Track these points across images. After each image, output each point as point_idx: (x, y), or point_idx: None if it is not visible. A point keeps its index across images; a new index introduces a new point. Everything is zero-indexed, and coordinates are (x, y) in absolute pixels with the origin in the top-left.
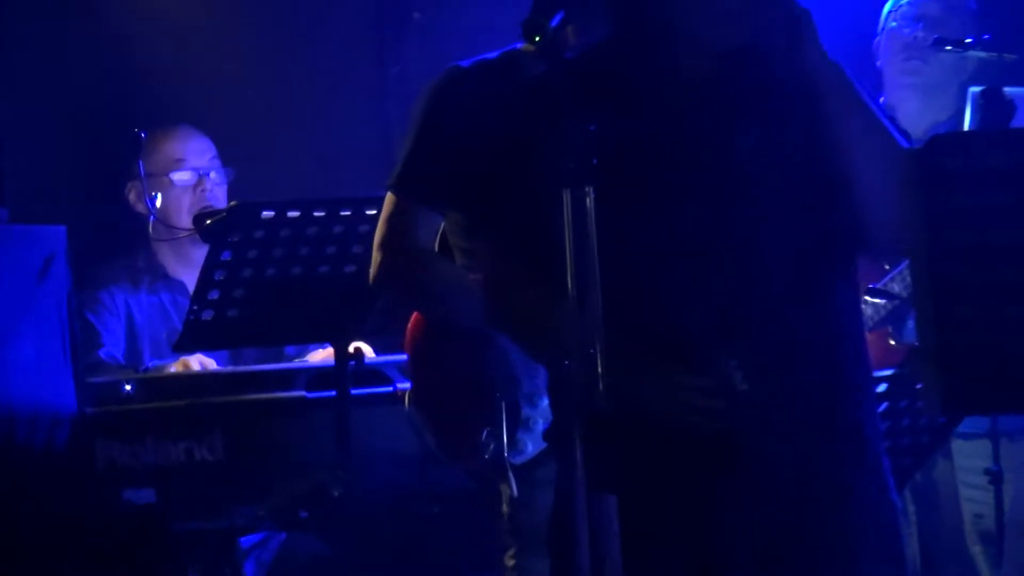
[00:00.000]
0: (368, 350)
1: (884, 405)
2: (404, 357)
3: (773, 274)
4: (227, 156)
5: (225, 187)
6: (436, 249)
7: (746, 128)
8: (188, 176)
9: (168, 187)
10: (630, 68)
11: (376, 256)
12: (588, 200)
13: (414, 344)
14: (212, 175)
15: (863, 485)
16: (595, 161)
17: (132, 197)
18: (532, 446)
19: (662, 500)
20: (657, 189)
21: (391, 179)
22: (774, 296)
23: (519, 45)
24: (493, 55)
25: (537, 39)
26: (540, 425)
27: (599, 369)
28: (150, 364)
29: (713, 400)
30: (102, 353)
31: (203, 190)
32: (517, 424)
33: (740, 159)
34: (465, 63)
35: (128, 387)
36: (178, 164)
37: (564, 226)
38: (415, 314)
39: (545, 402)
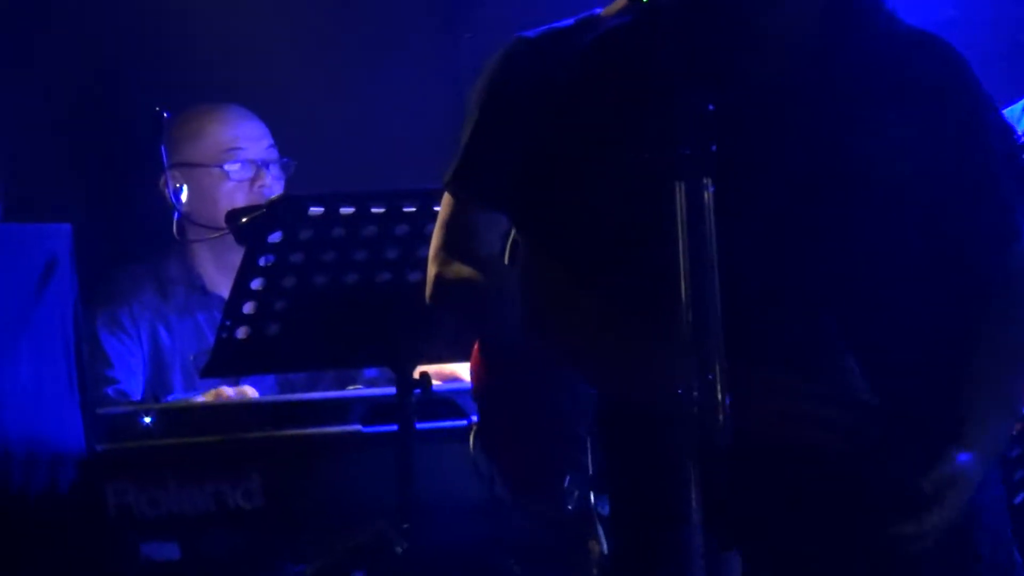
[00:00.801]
0: (464, 373)
1: None
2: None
3: (900, 275)
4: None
5: (283, 182)
6: (506, 258)
7: (871, 111)
8: (242, 168)
9: (218, 181)
10: (728, 33)
11: (431, 268)
12: (706, 194)
13: (480, 370)
14: (270, 167)
15: (990, 526)
16: (714, 148)
17: (168, 190)
18: None
19: (788, 552)
20: (765, 179)
21: (447, 175)
22: (899, 296)
23: (598, 10)
24: (567, 22)
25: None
26: None
27: (719, 397)
28: (169, 399)
29: (834, 410)
30: (111, 391)
31: (261, 185)
32: None
33: (866, 148)
34: (531, 33)
35: (147, 419)
36: (231, 154)
37: (676, 226)
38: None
39: None
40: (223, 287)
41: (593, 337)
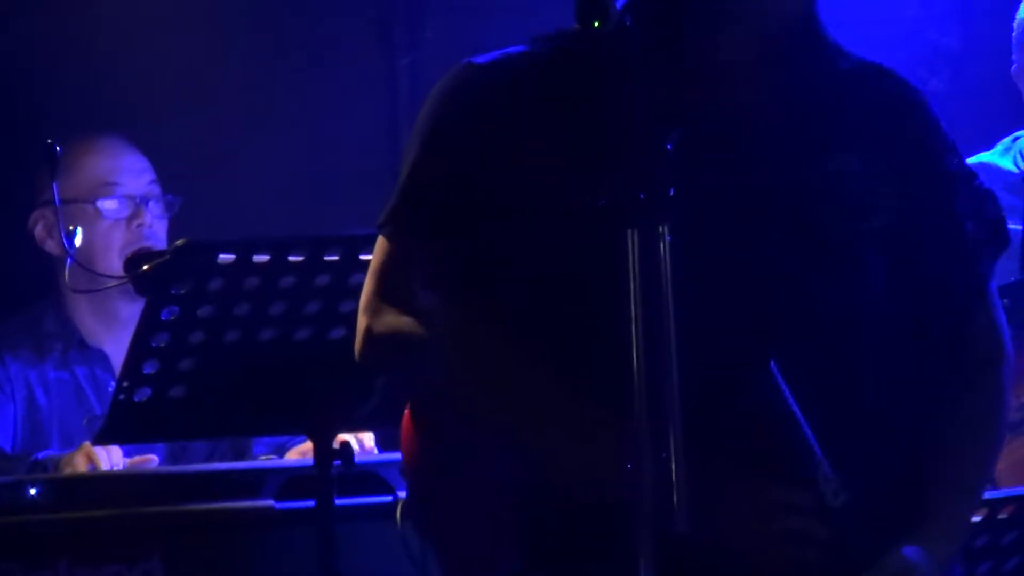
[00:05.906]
0: (368, 440)
1: (1012, 535)
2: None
3: (864, 336)
4: (169, 178)
5: (166, 222)
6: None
7: (828, 152)
8: (119, 205)
9: (92, 219)
10: (677, 64)
11: (362, 320)
12: (663, 244)
13: (412, 436)
14: (151, 204)
15: None
16: (672, 191)
17: (40, 231)
18: None
19: None
20: (716, 234)
21: (382, 216)
22: (862, 366)
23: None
24: (520, 48)
25: (597, 24)
26: None
27: (674, 477)
28: (40, 455)
29: (809, 521)
30: None
31: (140, 224)
32: None
33: (826, 193)
34: (481, 59)
35: (33, 491)
36: (107, 189)
37: (628, 280)
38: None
39: None
40: (104, 340)
41: (528, 410)
